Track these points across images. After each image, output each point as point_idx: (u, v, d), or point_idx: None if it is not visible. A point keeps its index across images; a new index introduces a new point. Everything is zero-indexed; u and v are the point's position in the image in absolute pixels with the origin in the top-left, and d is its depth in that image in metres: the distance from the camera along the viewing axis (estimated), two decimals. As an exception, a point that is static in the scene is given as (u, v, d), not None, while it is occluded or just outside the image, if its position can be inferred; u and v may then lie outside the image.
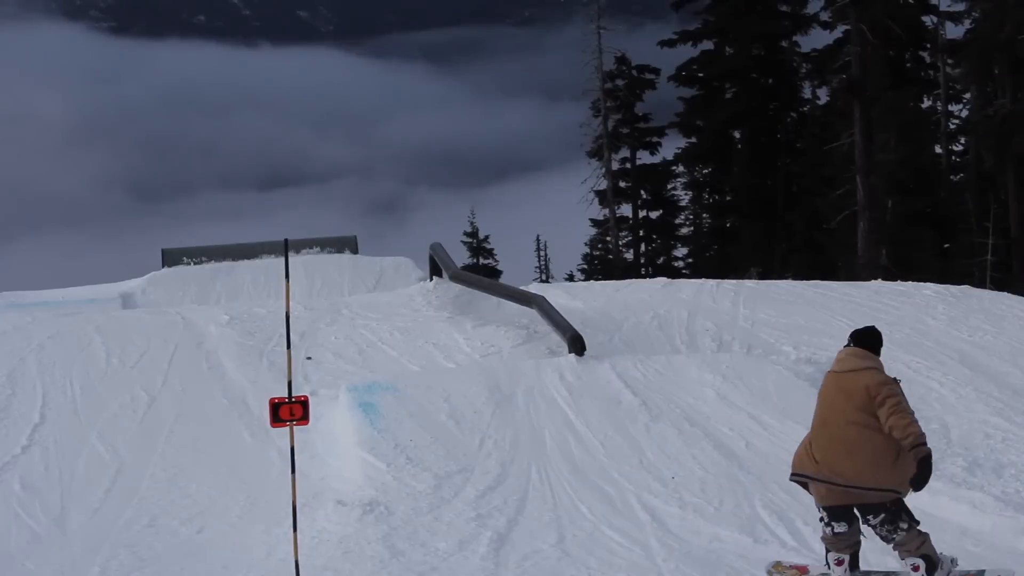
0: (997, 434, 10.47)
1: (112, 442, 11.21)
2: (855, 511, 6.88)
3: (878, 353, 7.14)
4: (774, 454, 10.00)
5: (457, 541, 8.40)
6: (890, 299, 15.53)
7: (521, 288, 15.71)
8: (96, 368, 13.24)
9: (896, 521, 6.77)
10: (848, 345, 7.20)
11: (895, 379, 6.90)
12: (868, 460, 6.70)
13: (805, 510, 8.81)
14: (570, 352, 12.43)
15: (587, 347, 12.54)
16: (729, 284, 16.73)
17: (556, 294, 16.22)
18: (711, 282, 16.96)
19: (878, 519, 6.78)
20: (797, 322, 14.43)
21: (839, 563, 6.98)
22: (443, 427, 10.73)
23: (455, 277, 15.88)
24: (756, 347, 13.49)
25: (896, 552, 6.84)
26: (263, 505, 9.72)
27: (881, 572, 7.16)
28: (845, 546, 6.96)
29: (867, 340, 7.15)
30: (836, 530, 6.92)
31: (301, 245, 25.12)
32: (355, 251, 25.77)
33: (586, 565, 7.94)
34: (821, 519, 7.02)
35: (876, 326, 7.36)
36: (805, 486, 7.08)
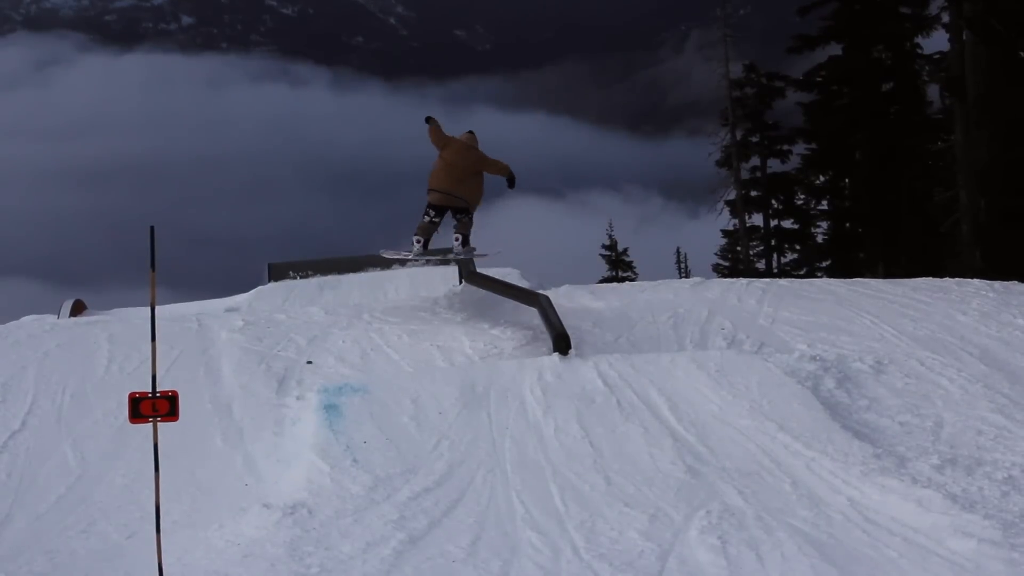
0: (990, 431, 9.72)
1: (83, 449, 11.06)
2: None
3: None
4: (737, 455, 9.41)
5: (364, 544, 7.98)
6: (926, 295, 14.68)
7: (530, 288, 15.26)
8: (93, 375, 13.15)
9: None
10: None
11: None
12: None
13: (755, 512, 8.25)
14: (554, 351, 11.93)
15: (578, 347, 12.05)
16: (760, 283, 16.03)
17: (580, 295, 15.78)
18: (742, 281, 16.29)
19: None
20: (819, 319, 13.70)
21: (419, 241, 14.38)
22: (403, 428, 10.34)
23: (468, 278, 15.55)
24: (768, 344, 12.82)
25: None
26: (205, 510, 9.43)
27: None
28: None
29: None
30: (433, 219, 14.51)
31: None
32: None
33: (487, 568, 7.49)
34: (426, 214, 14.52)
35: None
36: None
